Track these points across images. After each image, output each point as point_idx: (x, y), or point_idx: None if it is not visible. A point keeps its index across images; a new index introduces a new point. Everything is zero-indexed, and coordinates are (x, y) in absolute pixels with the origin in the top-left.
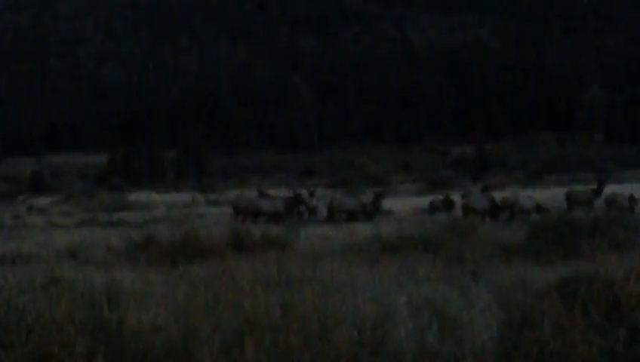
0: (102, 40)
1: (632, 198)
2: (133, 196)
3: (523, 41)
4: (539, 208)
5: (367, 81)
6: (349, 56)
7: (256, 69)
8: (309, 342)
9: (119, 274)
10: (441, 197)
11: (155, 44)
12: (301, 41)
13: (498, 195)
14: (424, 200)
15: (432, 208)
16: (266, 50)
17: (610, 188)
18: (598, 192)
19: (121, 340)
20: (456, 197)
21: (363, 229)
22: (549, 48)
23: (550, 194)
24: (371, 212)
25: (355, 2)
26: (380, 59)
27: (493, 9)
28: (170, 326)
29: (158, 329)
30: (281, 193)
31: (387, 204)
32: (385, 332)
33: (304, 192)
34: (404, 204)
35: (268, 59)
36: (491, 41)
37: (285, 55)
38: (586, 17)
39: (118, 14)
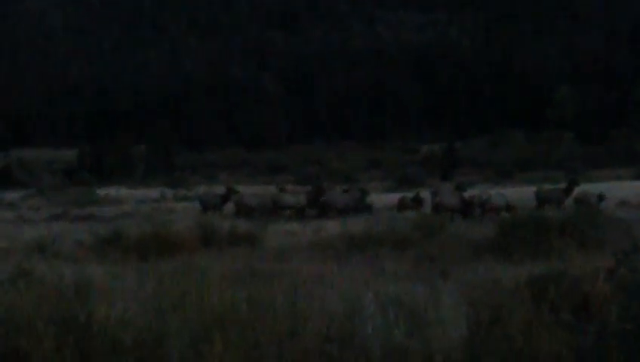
0: (71, 35)
1: (601, 197)
2: (103, 191)
3: (493, 39)
4: (508, 207)
5: (336, 78)
6: (317, 52)
7: (225, 65)
8: (278, 338)
9: (88, 268)
10: (410, 194)
11: (125, 40)
12: (270, 37)
13: (468, 193)
14: (393, 198)
15: (401, 206)
16: (235, 47)
17: (579, 188)
18: (568, 191)
19: (89, 334)
20: (425, 195)
21: (331, 226)
22: (519, 46)
23: (520, 193)
24: (359, 208)
25: None
26: (349, 56)
27: (463, 7)
28: (139, 321)
29: (126, 324)
30: (249, 190)
31: None
32: (353, 328)
33: (324, 184)
34: (373, 202)
35: (236, 56)
36: (461, 38)
37: (254, 51)
38: (557, 16)
39: (87, 10)
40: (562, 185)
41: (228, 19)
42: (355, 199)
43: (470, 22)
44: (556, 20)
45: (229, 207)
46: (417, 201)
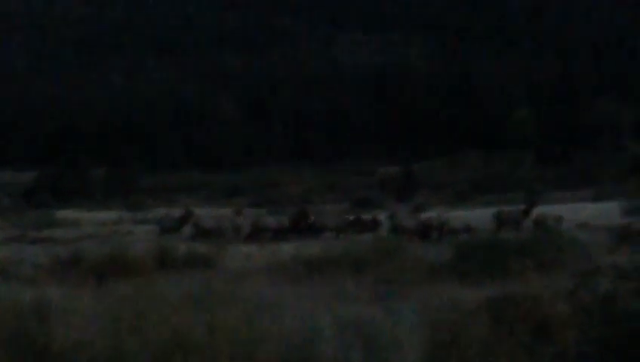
0: (29, 58)
1: (559, 219)
2: (62, 213)
3: (451, 61)
4: (467, 228)
5: (294, 100)
6: (275, 75)
7: (183, 87)
8: (236, 360)
9: (47, 290)
10: (367, 217)
11: (83, 62)
12: (227, 59)
13: (425, 216)
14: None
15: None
16: (193, 68)
17: (539, 209)
18: (526, 213)
19: (48, 356)
20: (382, 218)
21: (288, 249)
22: (478, 67)
23: (478, 215)
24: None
25: (281, 21)
26: (307, 78)
27: (421, 28)
28: (98, 343)
29: (85, 346)
30: (206, 211)
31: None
32: (311, 351)
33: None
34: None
35: (194, 77)
36: (419, 60)
37: (211, 73)
38: (516, 36)
39: (45, 32)
40: (521, 207)
41: (185, 41)
42: (345, 219)
43: (428, 43)
44: (515, 41)
45: (188, 229)
46: (374, 224)
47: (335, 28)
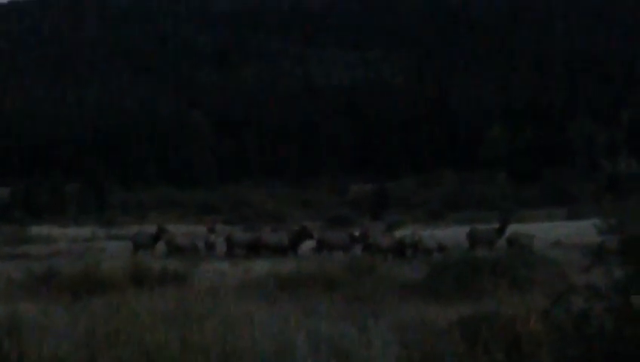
0: (4, 72)
1: (532, 238)
2: (35, 230)
3: (425, 78)
4: (440, 247)
5: (267, 117)
6: (249, 92)
7: (157, 104)
8: None
9: (21, 306)
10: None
11: (58, 77)
12: (201, 76)
13: (399, 234)
14: None
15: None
16: (167, 85)
17: (512, 228)
18: (500, 232)
19: None
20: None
21: (260, 266)
22: (452, 85)
23: (451, 233)
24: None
25: (255, 38)
26: (281, 95)
27: (396, 46)
28: (71, 359)
29: None
30: (180, 229)
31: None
32: None
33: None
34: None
35: (168, 94)
36: (393, 77)
37: (185, 90)
38: (490, 54)
39: (21, 46)
40: (495, 226)
41: (160, 58)
42: (349, 237)
43: (403, 60)
44: (489, 59)
45: (161, 246)
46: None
47: (309, 45)
